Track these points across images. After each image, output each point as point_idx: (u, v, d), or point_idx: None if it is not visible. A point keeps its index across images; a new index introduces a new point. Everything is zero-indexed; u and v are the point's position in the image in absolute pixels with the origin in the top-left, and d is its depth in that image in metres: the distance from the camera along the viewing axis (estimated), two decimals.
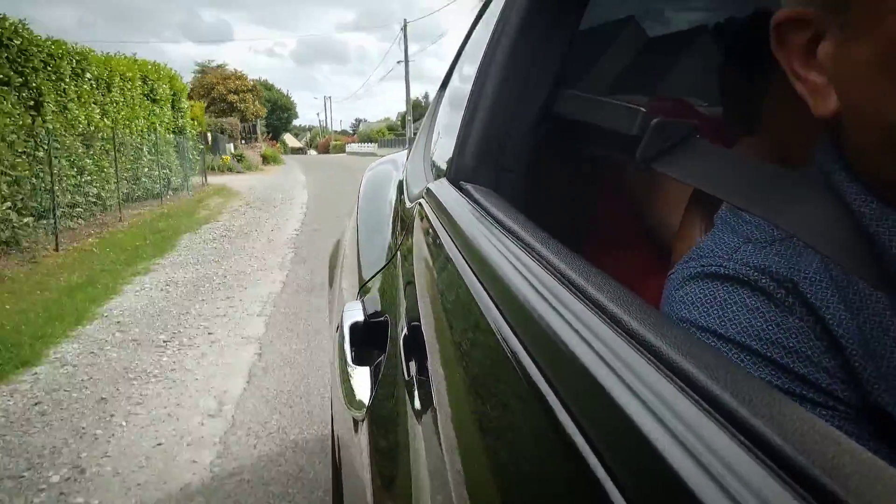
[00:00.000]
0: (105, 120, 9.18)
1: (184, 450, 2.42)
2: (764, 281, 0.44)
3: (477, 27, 1.26)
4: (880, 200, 0.43)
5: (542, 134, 0.88)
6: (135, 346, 3.60)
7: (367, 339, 0.82)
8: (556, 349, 0.34)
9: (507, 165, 0.85)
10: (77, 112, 8.17)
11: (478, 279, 0.51)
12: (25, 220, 6.16)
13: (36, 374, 3.22)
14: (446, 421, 0.47)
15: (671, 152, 0.70)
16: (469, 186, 0.80)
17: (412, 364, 0.62)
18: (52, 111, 7.34)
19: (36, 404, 2.85)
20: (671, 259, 0.75)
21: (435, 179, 1.01)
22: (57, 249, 6.36)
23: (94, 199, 8.28)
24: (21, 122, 6.40)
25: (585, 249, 1.02)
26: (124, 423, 2.65)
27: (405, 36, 40.28)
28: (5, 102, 6.21)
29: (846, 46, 0.40)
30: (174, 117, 13.10)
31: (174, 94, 13.24)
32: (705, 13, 1.23)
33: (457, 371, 0.48)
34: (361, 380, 0.75)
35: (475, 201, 0.72)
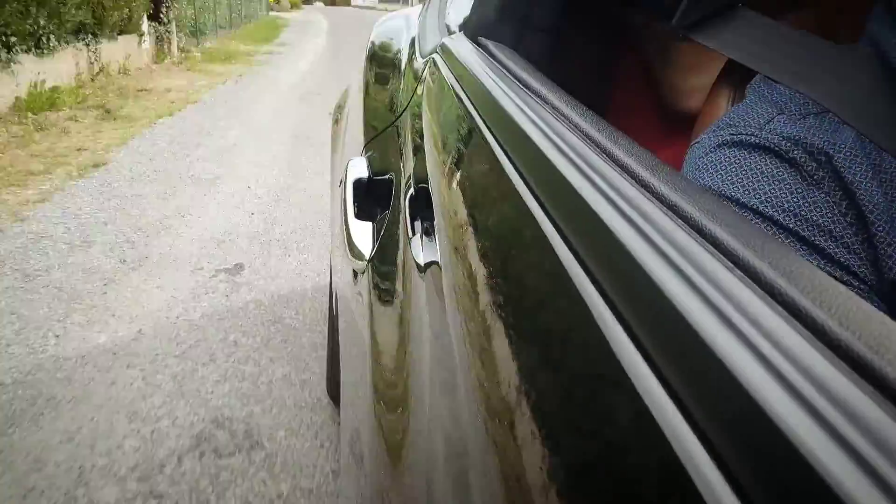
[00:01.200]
0: None
1: (316, 44, 13.18)
2: (795, 152, 0.43)
3: None
4: None
5: None
6: (298, 38, 14.05)
7: (371, 196, 0.80)
8: (582, 212, 0.32)
9: (532, 22, 0.79)
10: None
11: (494, 137, 0.48)
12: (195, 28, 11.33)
13: (275, 43, 12.62)
14: (450, 276, 0.47)
15: (711, 21, 0.66)
16: (488, 42, 0.75)
17: (417, 222, 0.61)
18: None
19: (281, 45, 12.40)
20: (693, 128, 0.72)
21: (450, 33, 0.95)
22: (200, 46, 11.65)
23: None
24: None
25: (622, 107, 0.99)
26: (309, 39, 14.28)
27: None
28: None
29: None
30: None
31: None
32: None
33: (466, 229, 0.47)
34: (363, 234, 0.74)
35: (494, 58, 0.68)
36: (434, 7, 1.31)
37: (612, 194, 0.31)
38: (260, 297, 2.41)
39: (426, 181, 0.64)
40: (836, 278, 0.39)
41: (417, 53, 1.11)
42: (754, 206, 0.42)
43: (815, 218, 0.40)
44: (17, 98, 4.63)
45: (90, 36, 5.98)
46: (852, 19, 0.57)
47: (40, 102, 4.74)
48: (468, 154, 0.55)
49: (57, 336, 2.06)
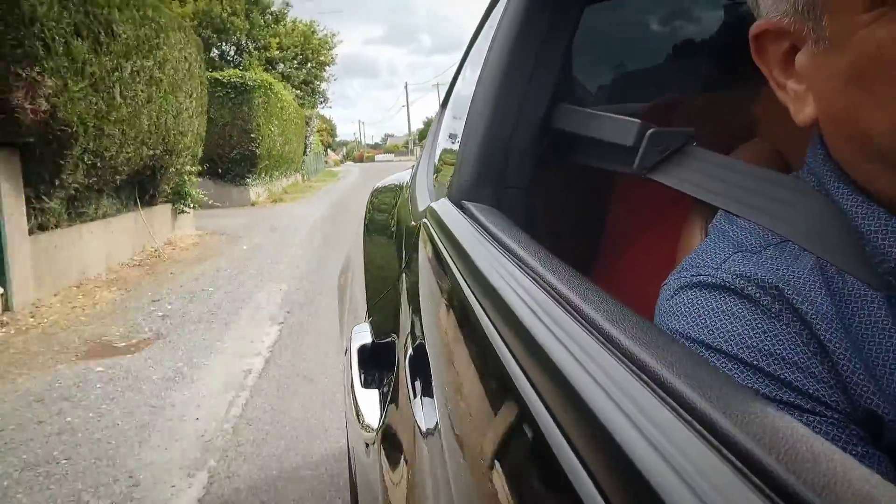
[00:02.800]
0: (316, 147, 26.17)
1: (356, 176, 28.84)
2: (750, 289, 0.44)
3: (474, 46, 1.27)
4: (869, 198, 0.44)
5: (543, 148, 0.89)
6: (347, 175, 32.89)
7: (376, 361, 0.82)
8: (551, 371, 0.34)
9: (508, 182, 0.86)
10: (316, 147, 25.69)
11: (478, 301, 0.51)
12: (305, 173, 22.48)
13: (339, 177, 30.34)
14: (450, 442, 0.47)
15: (668, 162, 0.71)
16: (470, 205, 0.81)
17: (417, 384, 0.62)
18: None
19: (342, 176, 30.85)
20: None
21: (437, 197, 1.02)
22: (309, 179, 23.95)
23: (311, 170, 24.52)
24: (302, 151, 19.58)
25: (597, 260, 1.02)
26: (353, 175, 31.43)
27: (406, 93, 69.96)
28: (305, 147, 20.42)
29: (821, 57, 0.42)
30: (320, 143, 32.33)
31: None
32: (692, 21, 1.24)
33: (459, 392, 0.48)
34: (371, 404, 0.75)
35: (476, 220, 0.72)
36: (422, 171, 1.41)
37: (578, 353, 0.33)
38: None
39: (424, 342, 0.66)
40: (807, 410, 0.39)
41: (410, 217, 1.18)
42: (719, 347, 0.42)
43: (779, 351, 0.41)
44: (282, 188, 15.49)
45: (293, 172, 17.51)
46: (798, 149, 0.62)
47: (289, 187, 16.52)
48: (456, 317, 0.57)
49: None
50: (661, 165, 0.70)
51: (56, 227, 4.55)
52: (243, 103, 11.52)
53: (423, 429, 0.55)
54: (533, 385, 0.35)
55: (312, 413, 2.64)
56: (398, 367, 0.75)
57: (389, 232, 1.31)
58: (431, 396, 0.58)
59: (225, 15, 19.09)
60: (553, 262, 0.50)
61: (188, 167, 7.33)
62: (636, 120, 0.73)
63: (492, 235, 0.63)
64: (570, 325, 0.36)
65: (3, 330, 3.74)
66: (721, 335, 0.43)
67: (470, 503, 0.40)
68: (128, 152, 5.27)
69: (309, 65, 24.05)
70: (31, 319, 3.96)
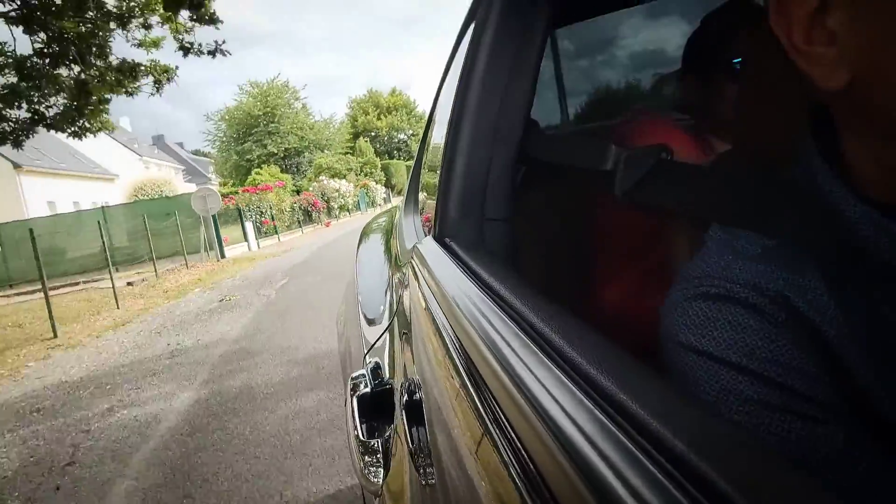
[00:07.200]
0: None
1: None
2: (755, 298, 0.43)
3: (444, 83, 1.28)
4: (866, 197, 0.42)
5: (522, 177, 0.89)
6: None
7: (376, 410, 0.81)
8: (528, 415, 0.33)
9: (489, 215, 0.85)
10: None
11: (462, 345, 0.50)
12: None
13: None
14: (446, 488, 0.46)
15: (647, 180, 0.70)
16: (452, 243, 0.80)
17: (414, 431, 0.61)
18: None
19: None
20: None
21: (422, 236, 1.01)
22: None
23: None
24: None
25: (586, 282, 1.02)
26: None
27: None
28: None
29: (866, 14, 0.36)
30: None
31: None
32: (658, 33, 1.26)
33: (451, 438, 0.47)
34: (373, 455, 0.74)
35: (458, 259, 0.72)
36: (409, 210, 1.41)
37: (556, 392, 0.32)
38: None
39: (419, 388, 0.65)
40: (819, 420, 0.38)
41: (399, 257, 1.18)
42: (727, 359, 0.42)
43: (787, 360, 0.40)
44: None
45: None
46: (783, 142, 0.60)
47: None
48: (444, 360, 0.57)
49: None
50: (641, 185, 0.70)
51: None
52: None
53: (423, 476, 0.54)
54: (513, 429, 0.35)
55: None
56: (397, 413, 0.73)
57: (381, 272, 1.31)
58: (427, 443, 0.56)
59: (398, 122, 46.75)
60: (533, 298, 0.49)
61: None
62: (608, 143, 0.73)
63: (474, 274, 0.63)
64: (548, 368, 0.36)
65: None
66: (728, 346, 0.42)
67: None
68: (399, 186, 33.95)
69: None
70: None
